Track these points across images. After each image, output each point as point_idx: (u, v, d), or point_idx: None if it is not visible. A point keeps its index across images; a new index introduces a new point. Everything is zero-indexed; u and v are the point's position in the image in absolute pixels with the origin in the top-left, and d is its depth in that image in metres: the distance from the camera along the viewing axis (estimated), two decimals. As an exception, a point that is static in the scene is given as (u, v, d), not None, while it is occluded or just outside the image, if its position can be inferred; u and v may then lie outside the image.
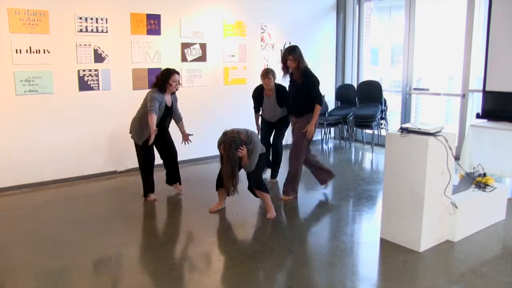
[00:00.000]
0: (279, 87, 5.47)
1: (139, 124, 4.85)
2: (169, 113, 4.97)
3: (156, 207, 4.85)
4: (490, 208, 4.30)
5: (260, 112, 5.72)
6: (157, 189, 5.13)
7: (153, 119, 4.62)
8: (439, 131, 3.71)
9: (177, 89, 4.95)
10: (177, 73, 4.87)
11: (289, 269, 3.53)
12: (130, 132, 4.97)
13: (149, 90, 4.89)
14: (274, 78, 5.44)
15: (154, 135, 4.61)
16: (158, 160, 5.08)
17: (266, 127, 5.72)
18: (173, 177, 5.26)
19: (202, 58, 6.71)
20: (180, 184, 5.31)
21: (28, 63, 5.33)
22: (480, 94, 5.98)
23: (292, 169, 5.01)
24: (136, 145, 4.93)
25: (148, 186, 5.05)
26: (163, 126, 4.92)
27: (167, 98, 4.88)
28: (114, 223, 4.44)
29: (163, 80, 4.77)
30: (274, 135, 5.75)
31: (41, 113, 5.51)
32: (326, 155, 7.54)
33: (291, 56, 4.80)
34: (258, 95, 5.62)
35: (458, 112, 7.01)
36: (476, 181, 4.35)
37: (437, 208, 3.79)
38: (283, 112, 5.55)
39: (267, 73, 5.39)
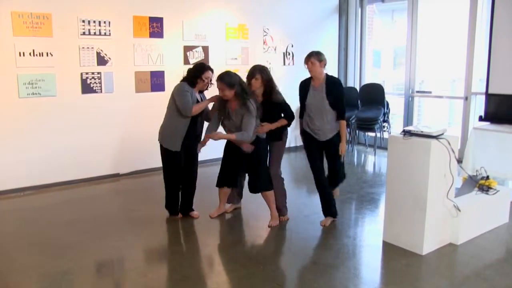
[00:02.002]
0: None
1: (170, 128, 4.32)
2: (201, 113, 4.38)
3: (159, 210, 4.84)
4: (493, 211, 4.29)
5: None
6: (157, 197, 4.97)
7: (196, 108, 4.21)
8: (442, 134, 3.70)
9: (206, 88, 4.45)
10: (212, 70, 4.35)
11: (291, 272, 3.52)
12: (160, 140, 4.40)
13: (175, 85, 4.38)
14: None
15: (213, 100, 4.28)
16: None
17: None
18: (188, 203, 4.63)
19: (204, 61, 6.71)
20: (193, 210, 4.67)
21: (31, 66, 5.35)
22: (483, 97, 5.97)
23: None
24: (164, 153, 4.37)
25: (173, 206, 4.55)
26: (194, 131, 4.38)
27: (196, 95, 4.36)
28: (116, 225, 4.45)
29: (195, 75, 4.28)
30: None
31: (44, 115, 5.53)
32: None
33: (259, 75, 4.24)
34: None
35: (460, 114, 7.00)
36: (479, 184, 4.33)
37: (440, 211, 3.78)
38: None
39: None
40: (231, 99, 4.13)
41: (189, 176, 4.55)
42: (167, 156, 4.39)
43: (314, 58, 4.12)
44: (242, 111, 4.07)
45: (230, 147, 4.42)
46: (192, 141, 4.39)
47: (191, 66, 4.56)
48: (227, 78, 4.07)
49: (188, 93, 4.22)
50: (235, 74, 4.15)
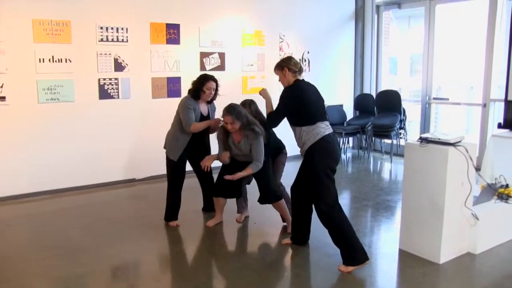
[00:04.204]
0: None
1: (173, 137, 4.45)
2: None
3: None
4: (513, 220, 4.21)
5: None
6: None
7: (195, 127, 4.30)
8: (460, 141, 3.65)
9: (212, 99, 4.50)
10: (214, 80, 4.42)
11: (305, 279, 3.50)
12: (165, 147, 4.55)
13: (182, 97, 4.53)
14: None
15: (213, 123, 4.36)
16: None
17: None
18: (211, 201, 4.75)
19: (221, 67, 6.75)
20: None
21: (51, 72, 5.44)
22: (502, 104, 5.88)
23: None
24: (168, 160, 4.50)
25: (172, 211, 4.59)
26: (199, 139, 4.50)
27: (203, 107, 4.45)
28: (131, 230, 4.47)
29: (196, 87, 4.37)
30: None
31: (62, 120, 5.61)
32: (344, 165, 7.49)
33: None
34: None
35: (479, 122, 6.90)
36: (498, 192, 4.26)
37: (457, 220, 3.72)
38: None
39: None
40: (235, 131, 4.13)
41: (206, 176, 4.71)
42: (167, 162, 4.53)
43: (276, 69, 3.77)
44: (250, 140, 4.08)
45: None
46: (198, 143, 4.49)
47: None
48: (234, 112, 4.05)
49: (191, 109, 4.31)
50: (239, 105, 4.18)
